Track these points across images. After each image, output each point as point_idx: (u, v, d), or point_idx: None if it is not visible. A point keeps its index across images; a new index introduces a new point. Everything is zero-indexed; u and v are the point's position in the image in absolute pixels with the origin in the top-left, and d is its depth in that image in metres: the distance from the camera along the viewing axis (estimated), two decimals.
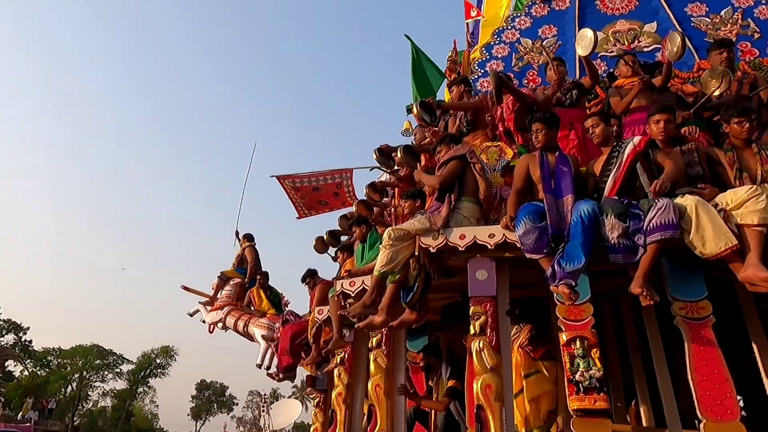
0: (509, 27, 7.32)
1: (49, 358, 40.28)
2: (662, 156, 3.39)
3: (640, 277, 2.91)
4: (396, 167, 5.65)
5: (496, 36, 7.28)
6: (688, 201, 2.97)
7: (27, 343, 38.34)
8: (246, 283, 8.02)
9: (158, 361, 44.77)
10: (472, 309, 3.33)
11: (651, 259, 2.93)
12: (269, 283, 8.12)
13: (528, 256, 3.20)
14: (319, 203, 9.04)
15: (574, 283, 2.93)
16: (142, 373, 44.36)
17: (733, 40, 6.22)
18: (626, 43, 6.62)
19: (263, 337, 7.07)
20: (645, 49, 6.45)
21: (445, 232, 3.52)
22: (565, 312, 3.14)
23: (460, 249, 3.43)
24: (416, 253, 3.54)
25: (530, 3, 7.51)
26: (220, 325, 7.74)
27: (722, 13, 6.48)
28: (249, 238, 8.49)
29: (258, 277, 7.97)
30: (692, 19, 6.57)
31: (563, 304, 3.12)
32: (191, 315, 8.29)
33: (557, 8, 7.31)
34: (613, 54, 6.57)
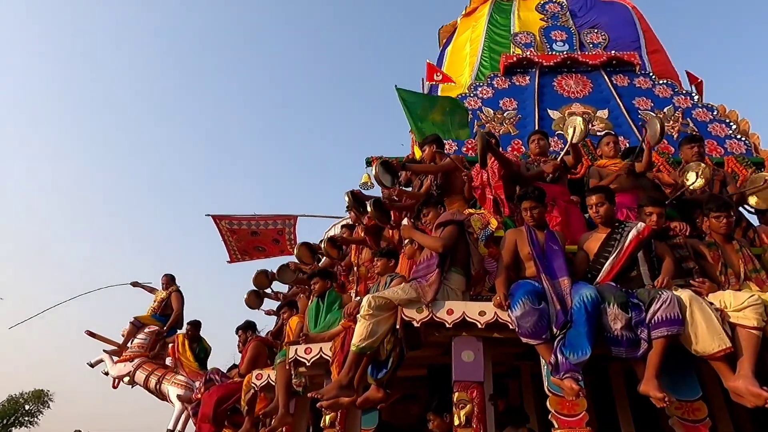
0: (471, 95, 7.45)
1: None
2: (662, 248, 3.34)
3: (653, 377, 2.71)
4: (353, 221, 5.30)
5: (459, 100, 7.36)
6: (683, 295, 2.88)
7: None
8: (164, 332, 7.06)
9: (27, 407, 38.84)
10: (456, 395, 2.96)
11: (660, 356, 2.75)
12: (200, 334, 7.14)
13: (524, 340, 2.93)
14: (255, 249, 8.41)
15: (580, 377, 2.68)
16: (5, 421, 38.19)
17: (676, 136, 6.71)
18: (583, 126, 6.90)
19: (179, 397, 6.14)
20: (598, 133, 6.75)
21: (432, 305, 3.18)
22: (557, 405, 2.87)
23: (447, 325, 3.09)
24: (397, 326, 3.15)
25: (492, 75, 7.74)
26: (126, 379, 6.68)
27: (665, 110, 7.01)
28: (173, 279, 7.59)
29: (187, 327, 7.00)
30: (639, 111, 7.04)
31: (557, 396, 2.85)
32: (92, 365, 7.11)
33: (518, 83, 7.58)
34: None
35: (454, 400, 2.97)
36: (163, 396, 6.42)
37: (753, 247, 3.75)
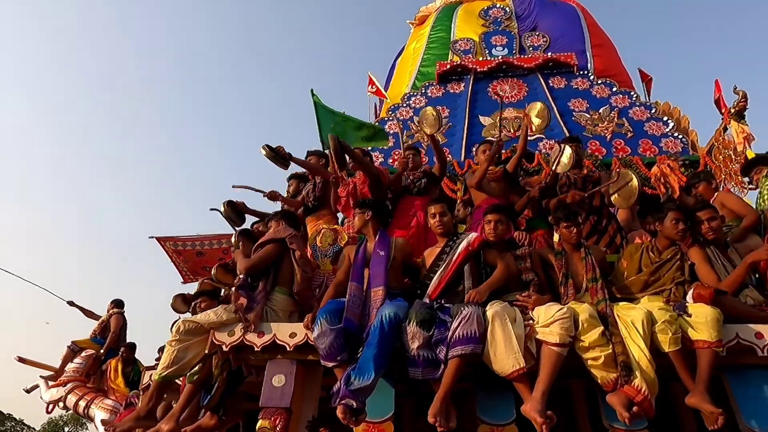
0: (404, 105, 7.32)
1: None
2: (494, 258, 3.12)
3: (439, 398, 2.50)
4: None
5: (391, 112, 7.25)
6: (489, 311, 2.66)
7: None
8: (102, 356, 7.05)
9: (67, 429, 39.32)
10: (259, 424, 2.79)
11: (452, 377, 2.54)
12: (135, 356, 7.14)
13: (323, 363, 2.75)
14: (203, 269, 8.35)
15: (355, 404, 2.48)
16: None
17: (609, 137, 6.44)
18: (512, 130, 6.69)
19: (103, 421, 6.08)
20: (529, 138, 6.52)
21: (245, 328, 3.03)
22: None
23: (256, 348, 2.94)
24: (206, 351, 3.02)
25: (427, 84, 7.60)
26: (61, 404, 6.68)
27: (601, 110, 6.74)
28: (117, 304, 7.59)
29: (122, 349, 7.00)
30: (573, 113, 6.78)
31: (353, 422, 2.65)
32: (28, 391, 7.15)
33: (452, 91, 7.41)
34: (497, 138, 6.61)
35: (257, 428, 2.81)
36: (91, 419, 6.39)
37: (616, 253, 3.50)
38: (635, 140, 6.31)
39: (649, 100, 7.82)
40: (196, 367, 3.17)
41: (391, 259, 3.12)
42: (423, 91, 7.46)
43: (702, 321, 2.51)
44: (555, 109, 6.78)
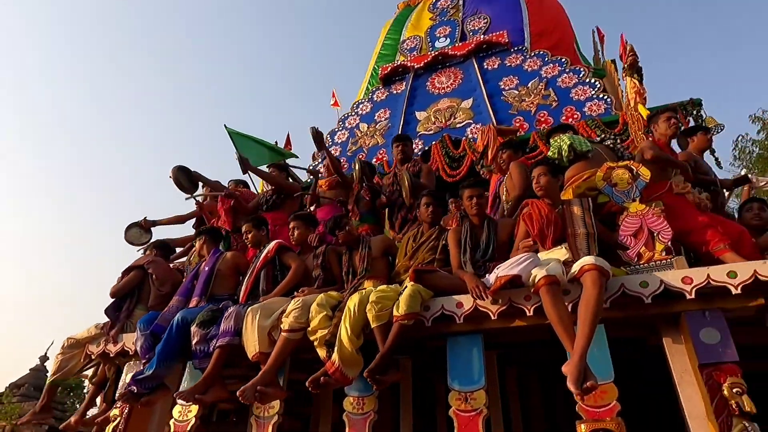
0: (353, 113, 7.83)
1: None
2: (287, 260, 3.67)
3: (206, 378, 3.12)
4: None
5: (340, 122, 7.80)
6: (248, 309, 3.21)
7: None
8: None
9: None
10: (111, 412, 3.61)
11: (214, 364, 3.14)
12: None
13: (141, 359, 3.50)
14: None
15: (136, 389, 3.18)
16: None
17: (534, 111, 6.44)
18: (443, 120, 6.91)
19: None
20: (458, 125, 6.73)
21: (118, 339, 3.89)
22: None
23: (111, 355, 3.77)
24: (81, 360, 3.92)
25: (374, 89, 8.03)
26: None
27: (529, 84, 6.71)
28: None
29: None
30: (503, 92, 6.83)
31: None
32: None
33: (395, 92, 7.78)
34: (431, 132, 6.89)
35: (110, 414, 3.63)
36: None
37: None
38: (559, 109, 6.23)
39: (604, 58, 7.53)
40: (90, 371, 4.09)
41: (214, 273, 3.80)
42: (369, 97, 7.90)
43: (401, 298, 2.85)
44: (484, 92, 6.88)
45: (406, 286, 2.91)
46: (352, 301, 2.96)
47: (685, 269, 2.52)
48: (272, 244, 3.72)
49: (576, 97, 6.26)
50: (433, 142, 6.44)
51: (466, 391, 2.69)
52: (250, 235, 3.90)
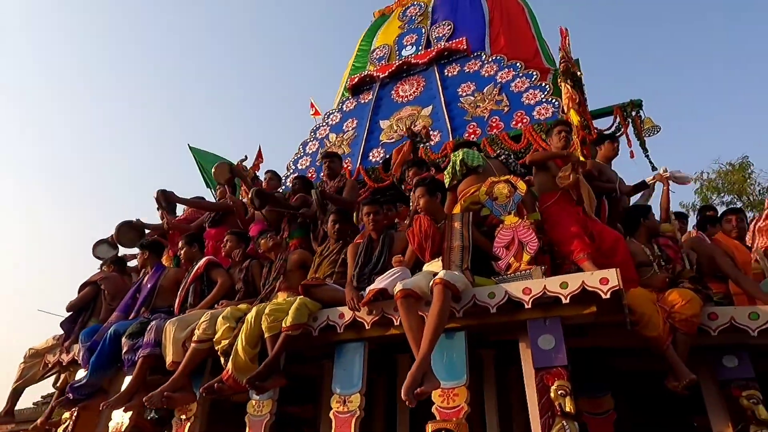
0: (324, 123, 8.12)
1: None
2: (215, 276, 4.01)
3: (129, 387, 3.48)
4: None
5: (312, 133, 8.10)
6: (169, 322, 3.56)
7: None
8: None
9: None
10: (63, 415, 4.03)
11: (137, 372, 3.50)
12: None
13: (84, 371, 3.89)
14: None
15: (72, 396, 3.56)
16: None
17: (487, 116, 6.61)
18: (404, 128, 7.12)
19: None
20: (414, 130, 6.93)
21: (70, 349, 4.30)
22: None
23: (64, 363, 4.19)
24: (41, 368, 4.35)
25: (344, 99, 8.30)
26: None
27: (485, 90, 6.87)
28: None
29: None
30: (461, 99, 7.01)
31: None
32: None
33: (362, 101, 8.04)
34: (393, 140, 7.13)
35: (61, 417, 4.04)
36: None
37: None
38: (510, 114, 6.38)
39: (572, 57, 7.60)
40: (53, 378, 4.52)
41: (156, 288, 4.17)
42: (339, 107, 8.18)
43: (290, 310, 3.14)
44: (442, 99, 7.07)
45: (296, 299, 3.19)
46: (251, 314, 3.26)
47: (528, 281, 2.73)
48: (203, 260, 4.05)
49: (527, 101, 6.40)
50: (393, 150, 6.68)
51: (345, 394, 2.97)
52: (182, 252, 4.24)
